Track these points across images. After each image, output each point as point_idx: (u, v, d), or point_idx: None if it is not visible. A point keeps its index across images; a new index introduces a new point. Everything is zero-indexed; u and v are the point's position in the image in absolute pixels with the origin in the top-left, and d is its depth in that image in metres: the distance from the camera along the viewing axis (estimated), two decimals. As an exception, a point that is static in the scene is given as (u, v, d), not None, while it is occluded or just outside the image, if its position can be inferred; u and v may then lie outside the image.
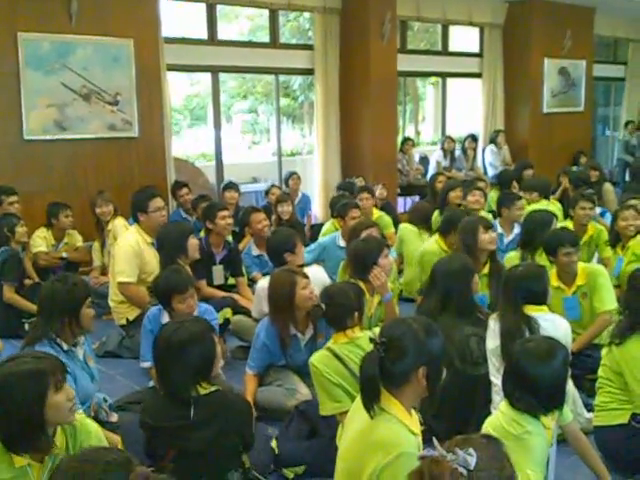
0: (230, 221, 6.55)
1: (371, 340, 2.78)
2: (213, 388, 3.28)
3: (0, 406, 2.63)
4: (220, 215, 6.42)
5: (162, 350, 3.31)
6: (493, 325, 4.16)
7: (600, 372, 4.05)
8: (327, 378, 3.90)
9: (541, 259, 5.51)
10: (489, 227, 5.63)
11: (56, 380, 2.70)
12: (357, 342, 3.97)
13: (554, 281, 5.05)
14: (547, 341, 3.25)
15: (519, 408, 3.08)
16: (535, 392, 3.06)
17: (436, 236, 6.54)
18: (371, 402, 2.69)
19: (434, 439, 2.01)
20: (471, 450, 1.97)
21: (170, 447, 3.18)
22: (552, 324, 4.02)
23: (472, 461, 1.95)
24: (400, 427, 2.67)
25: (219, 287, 6.34)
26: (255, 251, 6.86)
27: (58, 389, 2.70)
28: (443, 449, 1.97)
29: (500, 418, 3.13)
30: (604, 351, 4.03)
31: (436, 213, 8.16)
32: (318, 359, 3.97)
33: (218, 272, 6.44)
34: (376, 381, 2.69)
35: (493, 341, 4.11)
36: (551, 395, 3.11)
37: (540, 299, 4.16)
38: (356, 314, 4.06)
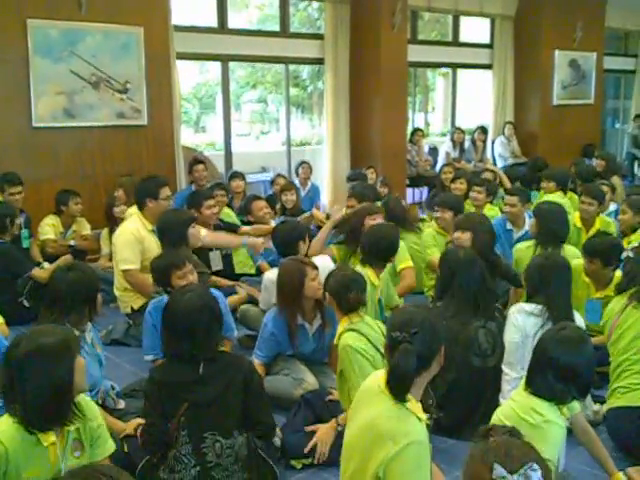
0: (215, 210, 6.55)
1: (394, 337, 2.77)
2: (221, 348, 3.55)
3: (33, 379, 2.64)
4: (206, 204, 6.41)
5: (174, 321, 3.44)
6: (513, 317, 4.13)
7: (628, 342, 4.04)
8: (366, 357, 3.85)
9: (565, 254, 5.44)
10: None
11: (79, 345, 2.83)
12: (365, 320, 4.06)
13: (586, 277, 5.13)
14: (574, 327, 3.26)
15: (541, 396, 3.04)
16: (577, 380, 3.04)
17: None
18: (404, 395, 2.71)
19: (498, 467, 2.02)
20: (534, 465, 2.01)
21: (181, 401, 3.30)
22: None
23: (537, 476, 2.01)
24: (409, 416, 2.68)
25: (216, 273, 6.34)
26: (259, 239, 6.83)
27: (79, 354, 2.79)
28: (505, 469, 2.01)
29: (514, 407, 3.08)
30: (632, 318, 4.04)
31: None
32: (352, 340, 3.91)
33: (215, 258, 6.43)
34: (412, 375, 2.71)
35: (513, 334, 4.09)
36: (589, 380, 3.11)
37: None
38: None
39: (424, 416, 2.76)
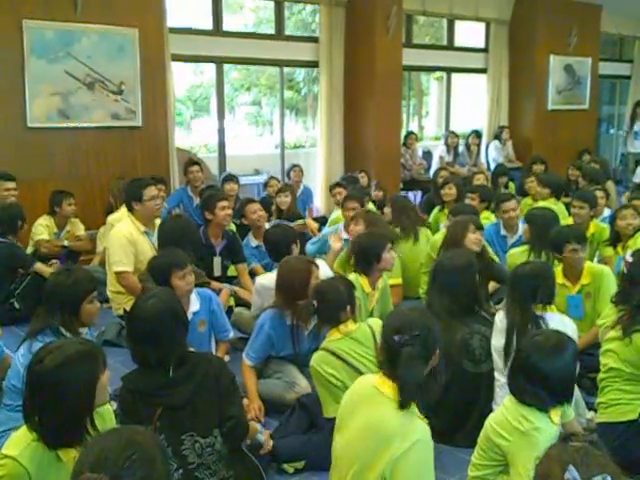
0: (229, 212, 6.51)
1: (395, 341, 2.79)
2: (188, 349, 3.48)
3: (53, 396, 2.58)
4: (220, 206, 6.38)
5: (140, 327, 3.39)
6: (499, 322, 4.13)
7: (612, 364, 4.01)
8: (328, 380, 3.89)
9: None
10: (480, 228, 5.69)
11: (103, 360, 2.73)
12: (352, 336, 3.98)
13: (559, 278, 5.03)
14: (556, 334, 3.23)
15: (528, 403, 3.04)
16: (546, 386, 3.03)
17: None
18: (411, 402, 2.77)
19: (573, 470, 2.02)
20: (608, 477, 2.00)
21: (155, 406, 3.26)
22: (560, 323, 4.00)
23: None
24: (414, 416, 2.74)
25: (217, 279, 6.32)
26: (254, 242, 6.81)
27: (104, 370, 2.73)
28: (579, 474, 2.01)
29: (505, 414, 3.08)
30: (615, 343, 4.01)
31: (436, 209, 8.16)
32: (317, 360, 3.95)
33: (217, 264, 6.42)
34: (422, 381, 2.78)
35: (499, 338, 4.08)
36: (562, 388, 3.09)
37: (549, 298, 4.16)
38: (348, 308, 4.05)
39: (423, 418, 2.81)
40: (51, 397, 2.58)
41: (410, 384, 2.75)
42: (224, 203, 6.43)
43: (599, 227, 6.68)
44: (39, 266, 6.57)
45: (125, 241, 5.83)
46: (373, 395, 2.85)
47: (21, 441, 2.62)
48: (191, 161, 8.77)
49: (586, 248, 5.21)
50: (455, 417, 4.19)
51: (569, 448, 2.14)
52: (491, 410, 3.76)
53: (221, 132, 10.48)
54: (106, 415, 2.91)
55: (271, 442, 3.98)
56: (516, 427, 2.98)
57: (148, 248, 5.82)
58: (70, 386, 2.60)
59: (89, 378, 2.65)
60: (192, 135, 15.44)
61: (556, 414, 3.10)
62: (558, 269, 5.12)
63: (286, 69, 11.63)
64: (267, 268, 6.22)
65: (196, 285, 4.78)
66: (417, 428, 2.71)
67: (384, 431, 2.73)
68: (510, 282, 4.26)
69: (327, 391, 3.92)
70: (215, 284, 6.02)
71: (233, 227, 7.23)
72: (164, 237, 5.55)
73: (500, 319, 4.14)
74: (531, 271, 4.18)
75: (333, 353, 3.92)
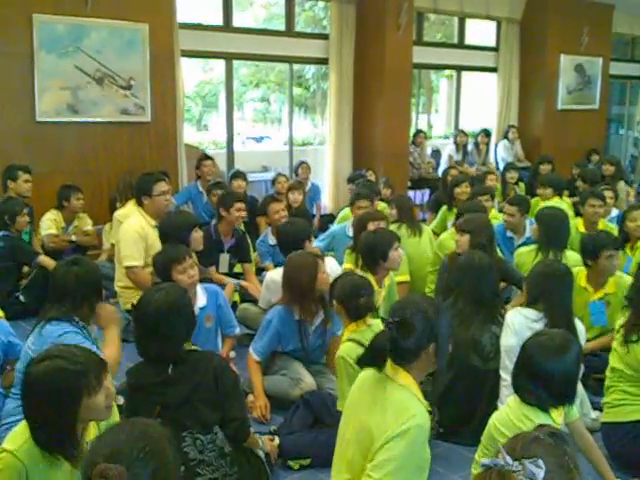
0: (244, 214, 6.55)
1: (383, 321, 2.86)
2: (190, 347, 3.48)
3: (35, 400, 2.56)
4: (236, 206, 6.41)
5: (143, 320, 3.45)
6: (510, 322, 4.11)
7: (615, 364, 4.01)
8: (358, 371, 3.87)
9: (566, 260, 5.42)
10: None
11: (92, 380, 2.58)
12: (373, 328, 3.97)
13: (582, 282, 5.04)
14: (561, 335, 3.22)
15: (530, 402, 3.04)
16: (547, 386, 3.03)
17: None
18: (379, 365, 2.87)
19: (501, 448, 1.98)
20: (540, 462, 1.92)
21: (154, 403, 3.29)
22: None
23: (540, 474, 1.90)
24: (412, 396, 2.79)
25: (223, 275, 6.33)
26: (272, 240, 6.76)
27: (96, 390, 2.59)
28: (508, 455, 1.94)
29: (509, 413, 3.09)
30: (619, 345, 3.99)
31: (444, 208, 8.12)
32: (347, 352, 3.90)
33: (224, 260, 6.43)
34: (385, 352, 2.82)
35: (509, 338, 4.06)
36: (563, 389, 3.09)
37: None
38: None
39: (425, 403, 2.85)
40: (34, 400, 2.58)
41: (373, 350, 2.88)
42: (240, 205, 6.47)
43: (607, 227, 6.65)
44: (43, 259, 6.59)
45: (136, 236, 5.83)
46: (382, 379, 2.90)
47: (20, 436, 2.61)
48: (205, 155, 8.81)
49: (619, 255, 5.16)
50: (460, 413, 4.19)
51: (519, 435, 2.12)
52: (496, 408, 3.75)
53: (229, 128, 10.47)
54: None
55: (276, 441, 3.99)
56: (518, 427, 2.95)
57: (158, 242, 5.82)
58: (51, 397, 2.54)
59: (72, 396, 2.55)
60: (201, 131, 15.48)
61: (558, 414, 3.10)
62: (582, 273, 5.10)
63: (295, 66, 11.62)
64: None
65: (199, 280, 4.79)
66: (415, 408, 2.77)
67: (383, 407, 2.80)
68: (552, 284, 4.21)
69: (351, 383, 3.87)
70: (218, 276, 6.04)
71: (242, 225, 7.24)
72: (159, 232, 5.63)
73: (510, 319, 4.11)
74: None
75: (361, 344, 3.90)
